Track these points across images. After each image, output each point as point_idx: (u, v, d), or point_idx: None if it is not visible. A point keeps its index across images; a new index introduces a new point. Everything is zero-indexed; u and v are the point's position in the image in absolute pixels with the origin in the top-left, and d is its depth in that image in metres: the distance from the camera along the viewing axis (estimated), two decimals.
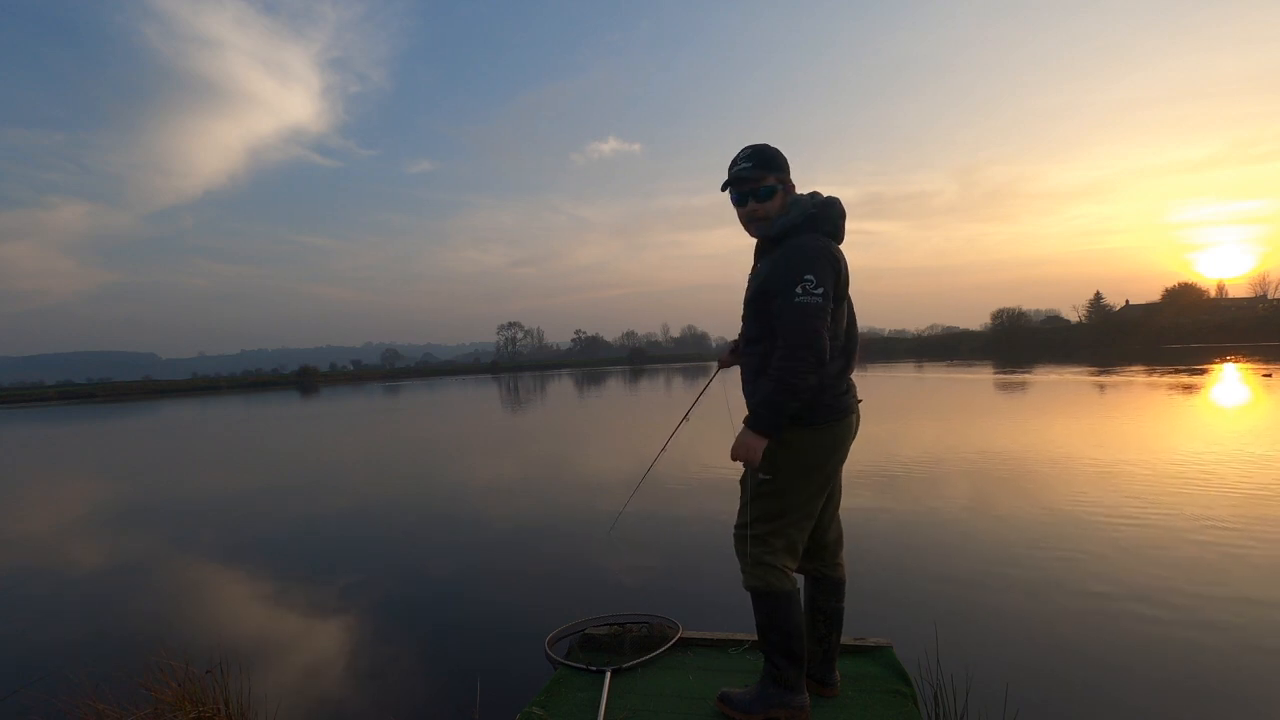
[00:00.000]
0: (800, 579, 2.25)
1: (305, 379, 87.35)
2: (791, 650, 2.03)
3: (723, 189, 2.11)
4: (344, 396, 37.66)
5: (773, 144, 2.08)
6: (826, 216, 2.03)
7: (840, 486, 2.23)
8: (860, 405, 2.17)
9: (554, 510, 6.17)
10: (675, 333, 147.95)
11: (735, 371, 2.36)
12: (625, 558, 4.53)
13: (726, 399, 2.46)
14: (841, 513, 2.32)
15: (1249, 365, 23.24)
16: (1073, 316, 71.40)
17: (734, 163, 2.09)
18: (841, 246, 2.09)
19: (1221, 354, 32.04)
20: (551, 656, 2.67)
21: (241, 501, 7.66)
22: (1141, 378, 19.36)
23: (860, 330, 2.24)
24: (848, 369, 2.11)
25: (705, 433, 2.84)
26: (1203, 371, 20.76)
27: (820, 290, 1.88)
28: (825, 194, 2.09)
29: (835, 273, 1.96)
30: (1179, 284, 62.98)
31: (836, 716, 2.12)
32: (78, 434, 21.11)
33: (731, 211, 2.15)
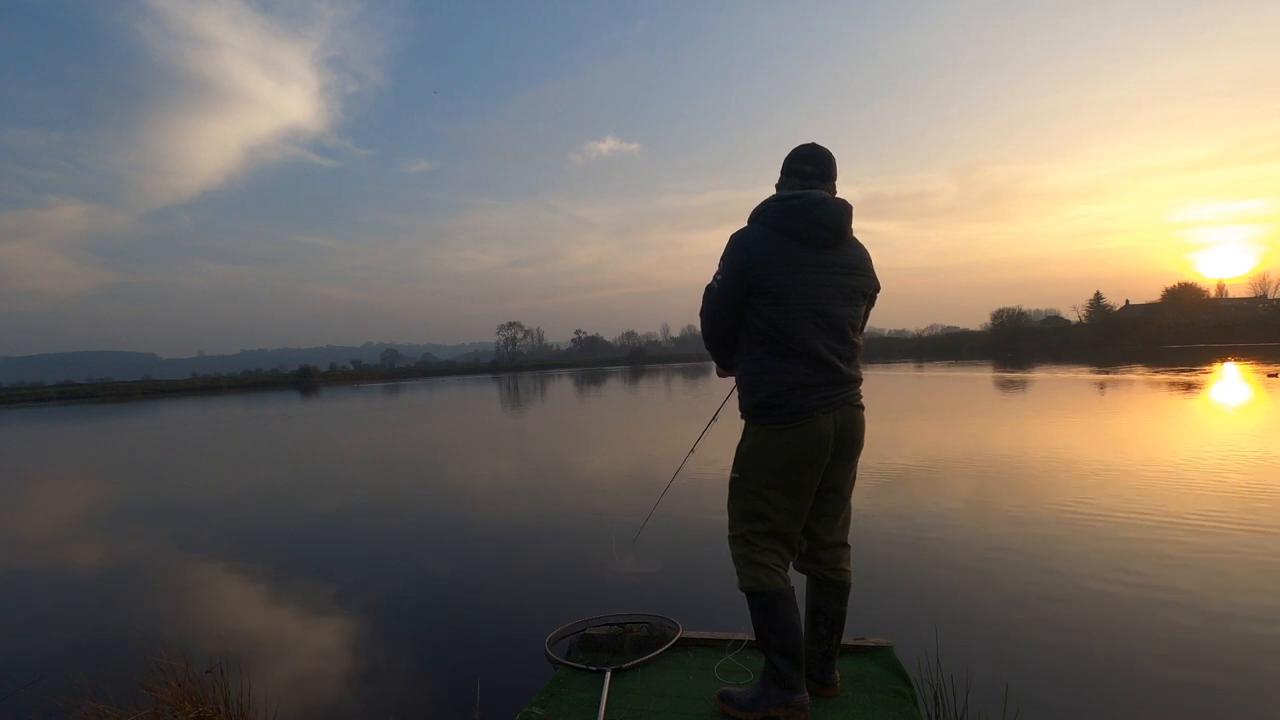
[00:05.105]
0: (803, 579, 2.25)
1: (305, 379, 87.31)
2: (788, 649, 2.03)
3: None
4: (344, 396, 37.65)
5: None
6: (764, 209, 2.08)
7: (843, 491, 2.18)
8: (862, 409, 2.15)
9: (554, 510, 6.17)
10: (675, 333, 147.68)
11: None
12: (626, 559, 4.53)
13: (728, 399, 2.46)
14: None
15: (1250, 365, 23.24)
16: (1073, 316, 71.48)
17: None
18: None
19: (1222, 354, 32.02)
20: (551, 656, 2.67)
21: (241, 501, 7.66)
22: (1142, 377, 19.36)
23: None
24: (818, 369, 2.01)
25: (711, 432, 2.83)
26: (1204, 371, 20.76)
27: (718, 276, 2.07)
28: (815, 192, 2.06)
29: (740, 262, 2.01)
30: (1179, 284, 63.01)
31: (836, 716, 2.12)
32: (78, 434, 21.11)
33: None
